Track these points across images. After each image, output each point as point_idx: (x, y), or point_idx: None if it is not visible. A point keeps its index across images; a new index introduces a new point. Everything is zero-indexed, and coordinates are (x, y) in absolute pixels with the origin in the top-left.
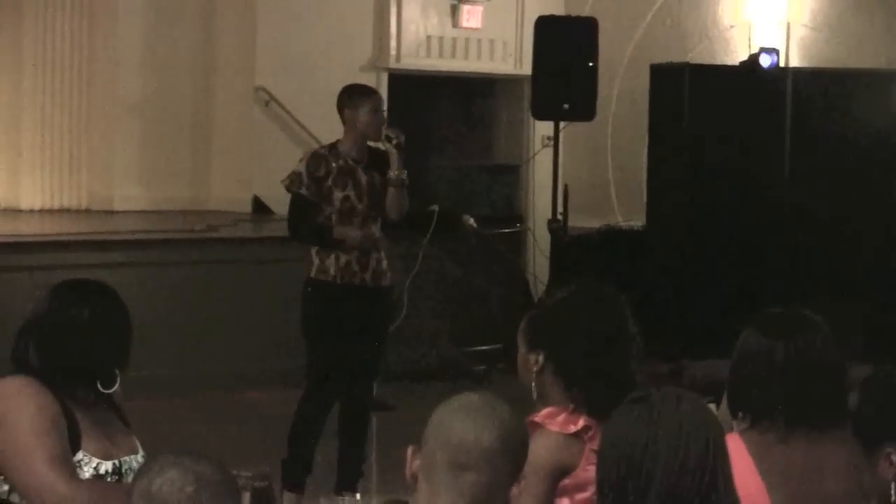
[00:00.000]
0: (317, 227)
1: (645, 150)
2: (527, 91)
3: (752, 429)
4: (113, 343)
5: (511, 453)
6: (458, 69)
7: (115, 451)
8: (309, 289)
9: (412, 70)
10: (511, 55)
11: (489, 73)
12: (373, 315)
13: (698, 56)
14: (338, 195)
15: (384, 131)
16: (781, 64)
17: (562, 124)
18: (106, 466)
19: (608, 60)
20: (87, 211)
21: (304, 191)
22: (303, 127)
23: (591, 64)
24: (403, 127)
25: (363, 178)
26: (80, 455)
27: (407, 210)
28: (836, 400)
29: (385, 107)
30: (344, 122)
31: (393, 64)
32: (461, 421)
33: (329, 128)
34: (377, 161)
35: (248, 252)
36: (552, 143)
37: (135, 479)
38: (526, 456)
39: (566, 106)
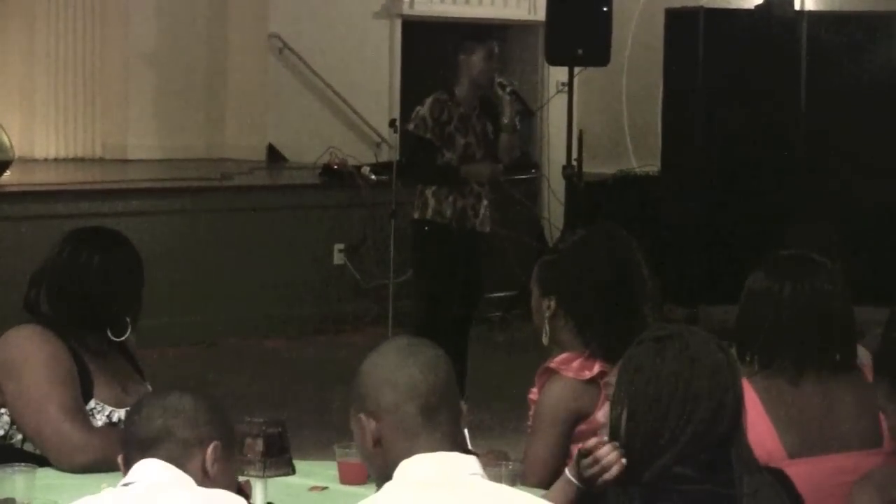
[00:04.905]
0: (441, 168)
1: (660, 95)
2: (541, 37)
3: (761, 373)
4: (124, 291)
5: (453, 373)
6: (471, 15)
7: (127, 398)
8: (426, 229)
9: (426, 16)
10: (525, 0)
11: (503, 19)
12: (476, 259)
13: (713, 0)
14: (460, 141)
15: (497, 79)
16: (797, 7)
17: (576, 70)
18: (118, 414)
19: (622, 5)
20: (102, 160)
21: (429, 135)
22: (316, 74)
23: (605, 8)
24: (417, 73)
25: (478, 126)
26: (92, 403)
27: (517, 155)
28: (844, 341)
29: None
30: (458, 70)
31: (406, 10)
32: (413, 366)
33: (343, 73)
34: (486, 108)
35: (263, 200)
36: (566, 88)
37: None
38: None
39: (580, 51)
